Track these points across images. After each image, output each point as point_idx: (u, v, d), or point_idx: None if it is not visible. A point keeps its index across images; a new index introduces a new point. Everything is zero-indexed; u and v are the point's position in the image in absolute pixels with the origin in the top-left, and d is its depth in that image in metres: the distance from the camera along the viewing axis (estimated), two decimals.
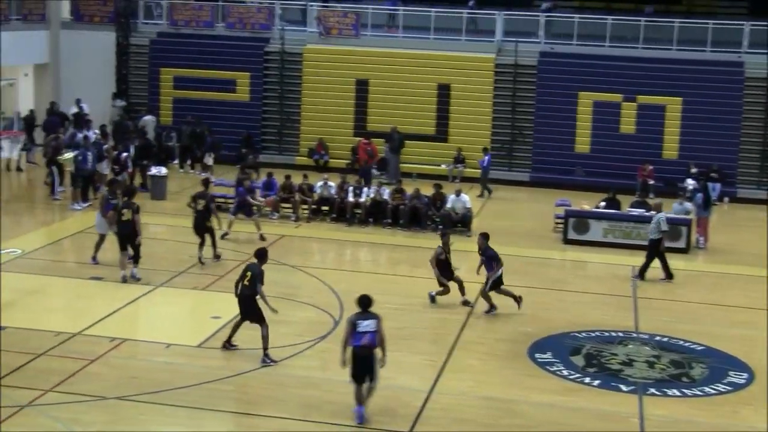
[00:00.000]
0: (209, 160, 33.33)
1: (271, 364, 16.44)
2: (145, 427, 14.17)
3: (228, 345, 17.06)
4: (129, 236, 20.77)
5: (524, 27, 36.70)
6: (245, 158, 29.03)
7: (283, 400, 15.20)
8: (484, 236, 20.08)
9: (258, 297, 16.42)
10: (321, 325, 18.72)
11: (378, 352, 14.35)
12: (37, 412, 14.32)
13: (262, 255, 16.95)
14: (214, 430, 14.27)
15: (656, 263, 22.90)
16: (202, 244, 22.25)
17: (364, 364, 14.25)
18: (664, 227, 22.59)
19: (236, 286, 16.72)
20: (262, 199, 27.20)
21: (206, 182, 24.23)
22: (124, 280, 20.62)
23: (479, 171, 32.97)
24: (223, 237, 23.96)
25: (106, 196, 22.30)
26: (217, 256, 22.47)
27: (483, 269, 19.83)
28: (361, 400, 14.34)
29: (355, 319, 14.44)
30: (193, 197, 22.79)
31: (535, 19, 36.54)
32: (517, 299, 19.71)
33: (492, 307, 19.73)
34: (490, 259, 19.70)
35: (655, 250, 22.73)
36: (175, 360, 16.63)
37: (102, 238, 22.04)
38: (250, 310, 16.55)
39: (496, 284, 19.70)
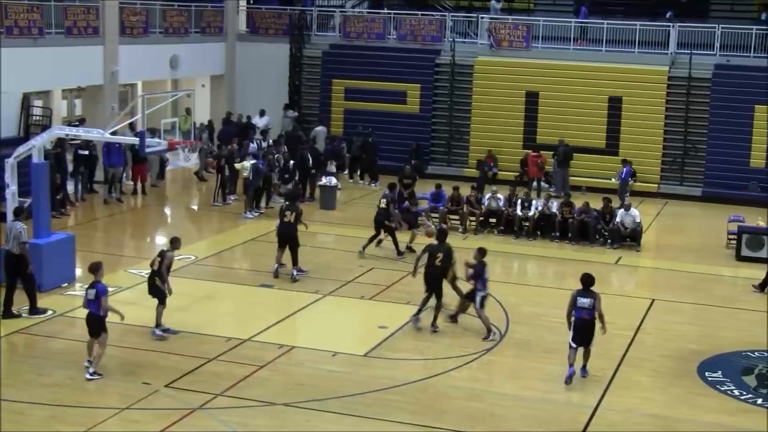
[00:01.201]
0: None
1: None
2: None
3: (416, 317, 18.77)
4: (288, 237, 21.53)
5: (699, 39, 35.59)
6: (404, 170, 29.13)
7: (447, 412, 15.12)
8: (481, 251, 18.97)
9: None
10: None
11: (597, 323, 16.40)
12: (208, 416, 14.62)
13: (444, 236, 19.28)
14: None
15: None
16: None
17: (581, 334, 16.42)
18: None
19: (416, 266, 18.99)
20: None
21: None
22: (276, 275, 21.53)
23: (647, 185, 32.15)
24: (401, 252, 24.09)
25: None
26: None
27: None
28: (572, 362, 16.40)
29: (576, 296, 16.51)
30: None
31: (710, 31, 35.38)
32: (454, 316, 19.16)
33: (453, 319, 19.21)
34: (476, 276, 18.61)
35: None
36: (341, 368, 16.75)
37: None
38: (437, 284, 18.61)
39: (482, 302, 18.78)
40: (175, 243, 18.34)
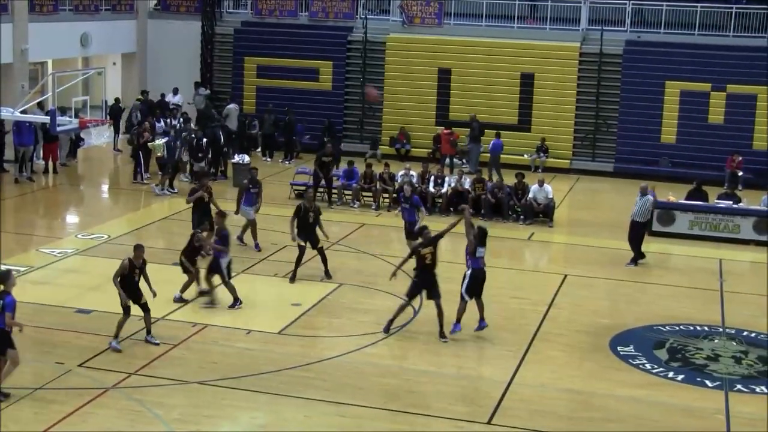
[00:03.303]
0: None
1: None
2: (226, 411, 14.31)
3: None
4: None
5: (610, 15, 36.11)
6: (324, 146, 29.11)
7: (362, 388, 15.24)
8: (221, 214, 19.45)
9: None
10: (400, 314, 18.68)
11: None
12: (121, 395, 14.55)
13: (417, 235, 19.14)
14: (294, 416, 14.32)
15: (745, 256, 22.40)
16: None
17: (480, 285, 17.33)
18: None
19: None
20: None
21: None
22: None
23: (559, 161, 32.68)
24: None
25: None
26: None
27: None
28: (461, 316, 17.31)
29: (477, 245, 17.23)
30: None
31: (621, 7, 35.93)
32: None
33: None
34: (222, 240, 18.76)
35: None
36: (255, 346, 16.78)
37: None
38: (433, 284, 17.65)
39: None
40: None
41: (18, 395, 14.27)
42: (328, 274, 20.63)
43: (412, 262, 17.69)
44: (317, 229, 20.55)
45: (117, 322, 16.34)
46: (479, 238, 17.37)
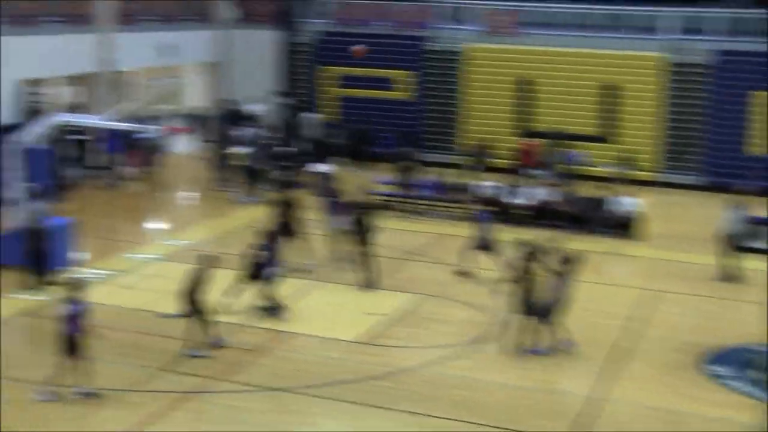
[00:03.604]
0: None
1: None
2: (307, 419, 14.40)
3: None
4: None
5: (696, 24, 35.49)
6: (404, 153, 29.13)
7: (439, 399, 15.19)
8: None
9: None
10: (480, 325, 18.63)
11: None
12: (205, 399, 14.73)
13: None
14: (374, 425, 14.34)
15: None
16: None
17: None
18: None
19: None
20: None
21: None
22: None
23: (642, 173, 32.55)
24: None
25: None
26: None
27: None
28: None
29: None
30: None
31: (708, 16, 35.29)
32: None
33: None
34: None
35: None
36: (337, 355, 16.86)
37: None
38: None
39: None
40: (210, 260, 16.58)
41: (104, 396, 14.53)
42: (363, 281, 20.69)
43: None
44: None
45: (197, 330, 16.49)
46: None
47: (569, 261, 17.19)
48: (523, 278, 16.98)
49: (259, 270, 18.28)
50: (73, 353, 14.42)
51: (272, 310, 18.41)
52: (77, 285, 14.78)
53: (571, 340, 17.21)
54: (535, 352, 16.98)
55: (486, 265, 21.21)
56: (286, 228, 21.19)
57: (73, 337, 14.37)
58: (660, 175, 33.97)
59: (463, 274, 21.48)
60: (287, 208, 21.86)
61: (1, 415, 13.82)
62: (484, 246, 21.72)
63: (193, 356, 16.23)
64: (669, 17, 35.30)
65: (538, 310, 16.96)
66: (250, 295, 18.44)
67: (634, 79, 34.71)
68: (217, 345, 16.61)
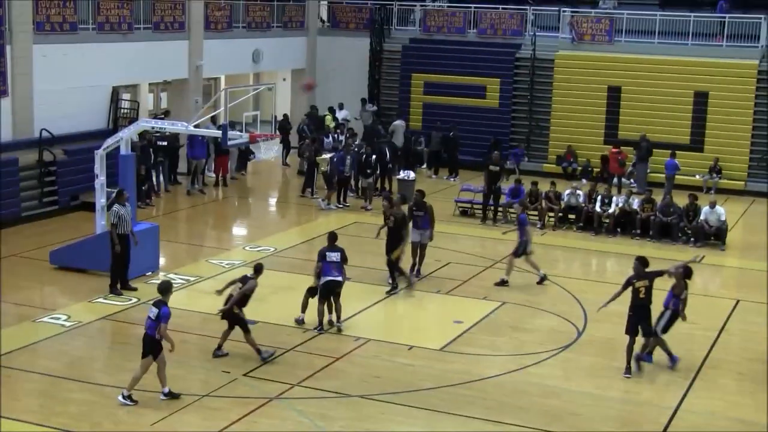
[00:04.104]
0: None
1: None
2: (386, 425, 14.30)
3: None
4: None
5: None
6: (491, 157, 28.75)
7: (523, 408, 14.99)
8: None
9: None
10: (563, 334, 18.37)
11: None
12: (285, 405, 14.73)
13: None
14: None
15: None
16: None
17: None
18: None
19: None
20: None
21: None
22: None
23: (733, 182, 31.80)
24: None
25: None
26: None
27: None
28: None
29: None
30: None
31: None
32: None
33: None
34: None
35: None
36: (417, 362, 16.73)
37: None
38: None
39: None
40: (259, 270, 16.88)
41: (186, 401, 14.63)
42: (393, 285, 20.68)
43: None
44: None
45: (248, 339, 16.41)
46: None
47: (689, 274, 16.95)
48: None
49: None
50: (157, 356, 14.57)
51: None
52: (165, 288, 14.91)
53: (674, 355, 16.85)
54: (645, 358, 16.69)
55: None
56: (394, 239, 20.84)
57: (157, 340, 14.51)
58: (750, 184, 33.19)
59: (502, 283, 21.23)
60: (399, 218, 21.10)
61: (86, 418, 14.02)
62: (522, 251, 21.35)
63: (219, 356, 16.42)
64: (764, 24, 34.52)
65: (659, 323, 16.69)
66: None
67: (726, 87, 34.03)
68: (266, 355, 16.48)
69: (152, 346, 14.59)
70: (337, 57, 39.67)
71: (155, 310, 14.56)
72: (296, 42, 39.66)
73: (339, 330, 17.91)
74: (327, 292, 17.86)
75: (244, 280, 16.62)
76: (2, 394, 14.51)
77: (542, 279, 21.47)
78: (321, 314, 17.90)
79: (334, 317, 18.10)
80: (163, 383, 14.73)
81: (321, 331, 17.73)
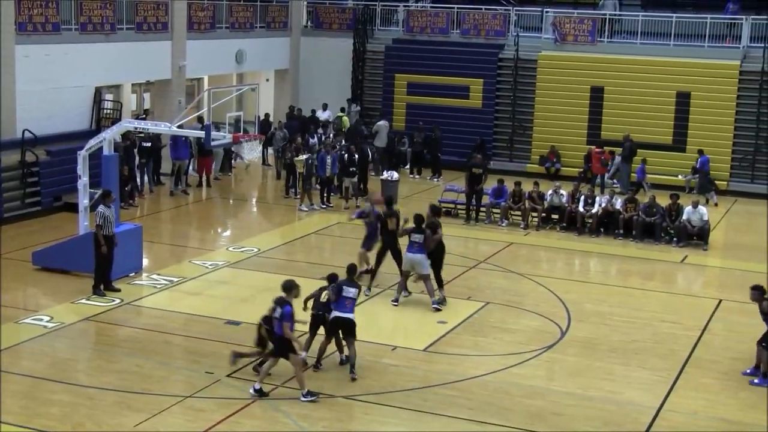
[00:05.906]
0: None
1: None
2: (370, 426, 14.30)
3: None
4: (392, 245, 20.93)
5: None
6: (473, 158, 28.77)
7: (506, 408, 15.01)
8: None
9: None
10: (547, 334, 18.41)
11: None
12: (269, 406, 14.70)
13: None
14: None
15: None
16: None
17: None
18: None
19: None
20: None
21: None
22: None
23: (716, 182, 32.18)
24: None
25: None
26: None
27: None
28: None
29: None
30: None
31: None
32: None
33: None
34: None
35: None
36: (400, 363, 16.73)
37: None
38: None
39: None
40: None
41: (170, 402, 14.59)
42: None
43: None
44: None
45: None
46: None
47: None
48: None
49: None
50: (287, 356, 14.81)
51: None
52: (288, 287, 14.91)
53: None
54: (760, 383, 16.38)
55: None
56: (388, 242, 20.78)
57: (286, 339, 14.65)
58: (733, 184, 33.38)
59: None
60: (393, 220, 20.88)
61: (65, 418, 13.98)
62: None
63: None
64: (746, 25, 34.69)
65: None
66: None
67: (708, 87, 34.18)
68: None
69: (281, 346, 14.73)
70: (321, 57, 39.68)
71: (279, 310, 14.67)
72: (279, 42, 39.62)
73: (353, 379, 15.88)
74: (337, 327, 16.18)
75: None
76: None
77: (367, 271, 20.92)
78: (323, 351, 16.30)
79: (344, 355, 16.49)
80: (302, 385, 14.84)
81: (318, 368, 16.18)
